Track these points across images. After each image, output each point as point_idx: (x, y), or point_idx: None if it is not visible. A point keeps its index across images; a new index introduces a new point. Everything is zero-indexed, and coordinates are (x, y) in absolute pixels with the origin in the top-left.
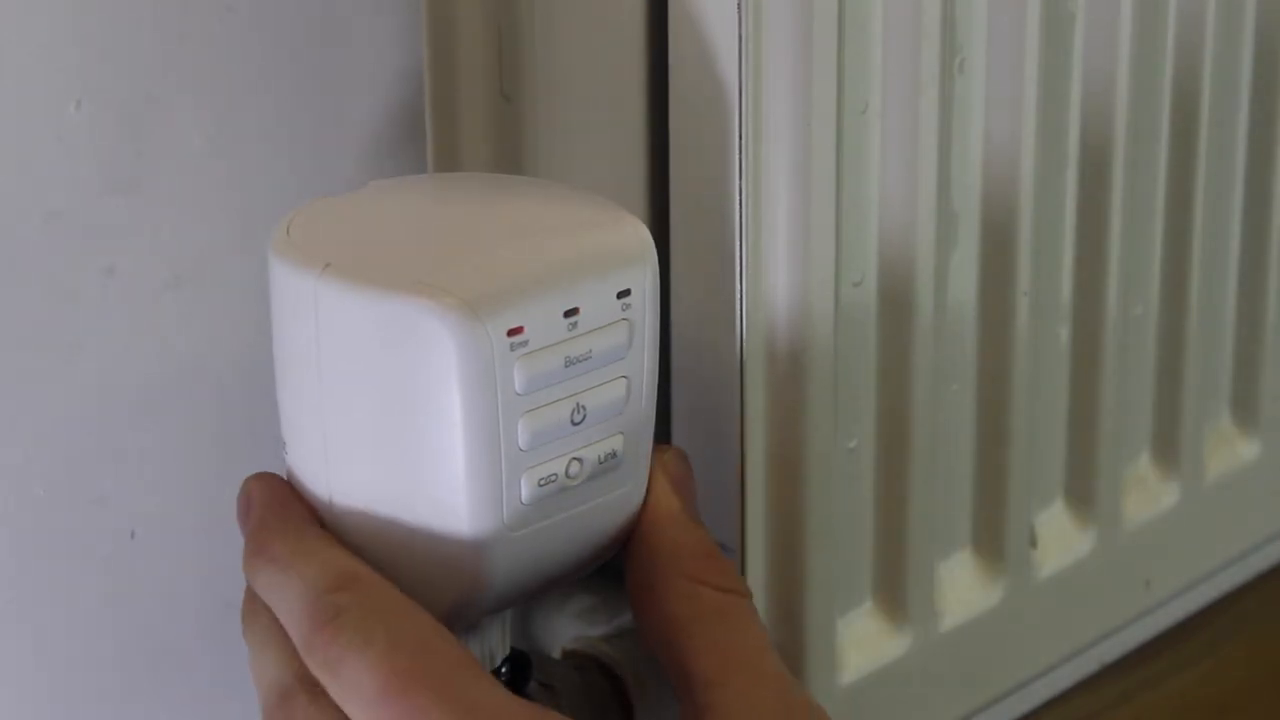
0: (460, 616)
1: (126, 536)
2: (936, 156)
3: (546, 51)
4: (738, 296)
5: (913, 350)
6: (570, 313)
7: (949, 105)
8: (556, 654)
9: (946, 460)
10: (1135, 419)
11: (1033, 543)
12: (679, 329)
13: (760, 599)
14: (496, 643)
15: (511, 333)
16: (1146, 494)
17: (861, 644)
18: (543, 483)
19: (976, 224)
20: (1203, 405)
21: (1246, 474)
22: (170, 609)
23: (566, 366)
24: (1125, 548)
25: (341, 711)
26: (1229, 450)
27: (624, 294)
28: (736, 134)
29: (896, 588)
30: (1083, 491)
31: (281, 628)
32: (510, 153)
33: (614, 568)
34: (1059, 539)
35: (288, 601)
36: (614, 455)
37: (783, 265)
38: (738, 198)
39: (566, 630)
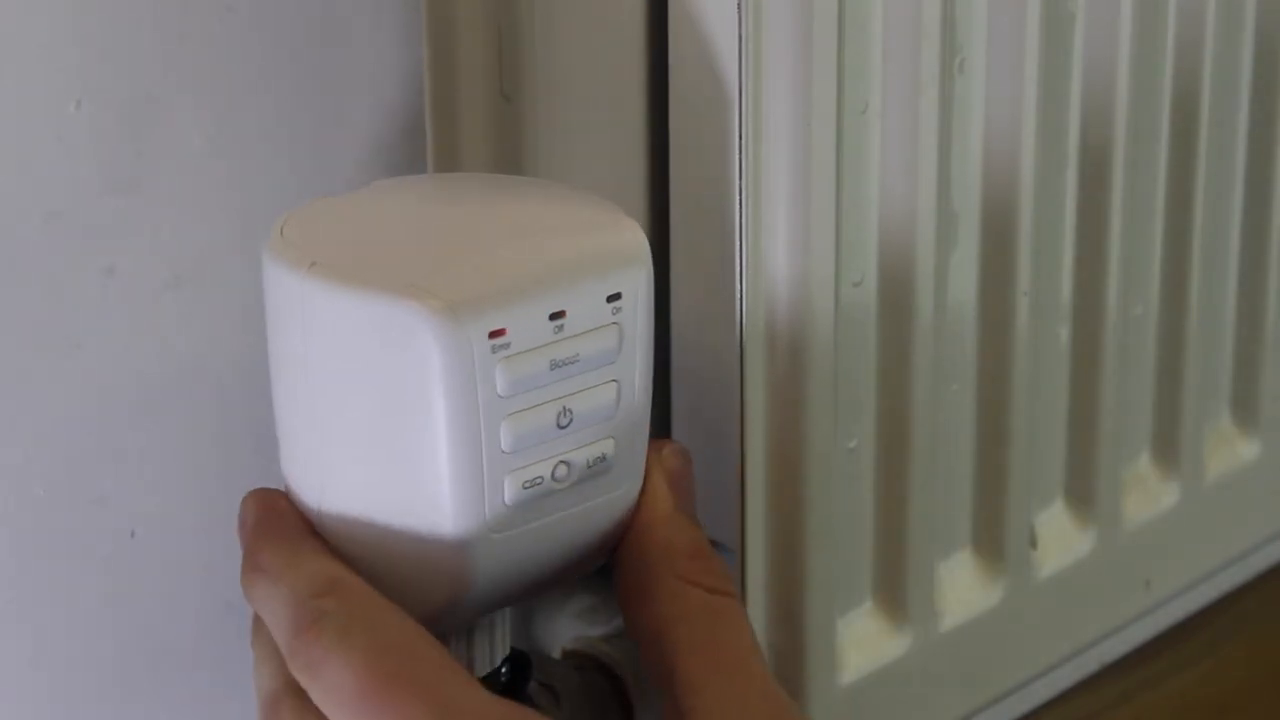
0: (448, 617)
1: (126, 536)
2: (936, 156)
3: (546, 51)
4: (738, 296)
5: (913, 350)
6: (556, 315)
7: (949, 105)
8: (556, 654)
9: (946, 460)
10: (1135, 419)
11: (1033, 543)
12: (679, 329)
13: (760, 599)
14: (496, 643)
15: (493, 335)
16: (1146, 494)
17: (861, 644)
18: (527, 485)
19: (976, 224)
20: (1203, 405)
21: (1246, 474)
22: (170, 609)
23: (552, 369)
24: (1125, 548)
25: (324, 716)
26: (1229, 450)
27: (614, 298)
28: (736, 134)
29: (896, 588)
30: (1083, 491)
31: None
32: (510, 153)
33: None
34: (1059, 539)
35: (275, 612)
36: (603, 459)
37: (783, 265)
38: (738, 198)
39: (566, 630)
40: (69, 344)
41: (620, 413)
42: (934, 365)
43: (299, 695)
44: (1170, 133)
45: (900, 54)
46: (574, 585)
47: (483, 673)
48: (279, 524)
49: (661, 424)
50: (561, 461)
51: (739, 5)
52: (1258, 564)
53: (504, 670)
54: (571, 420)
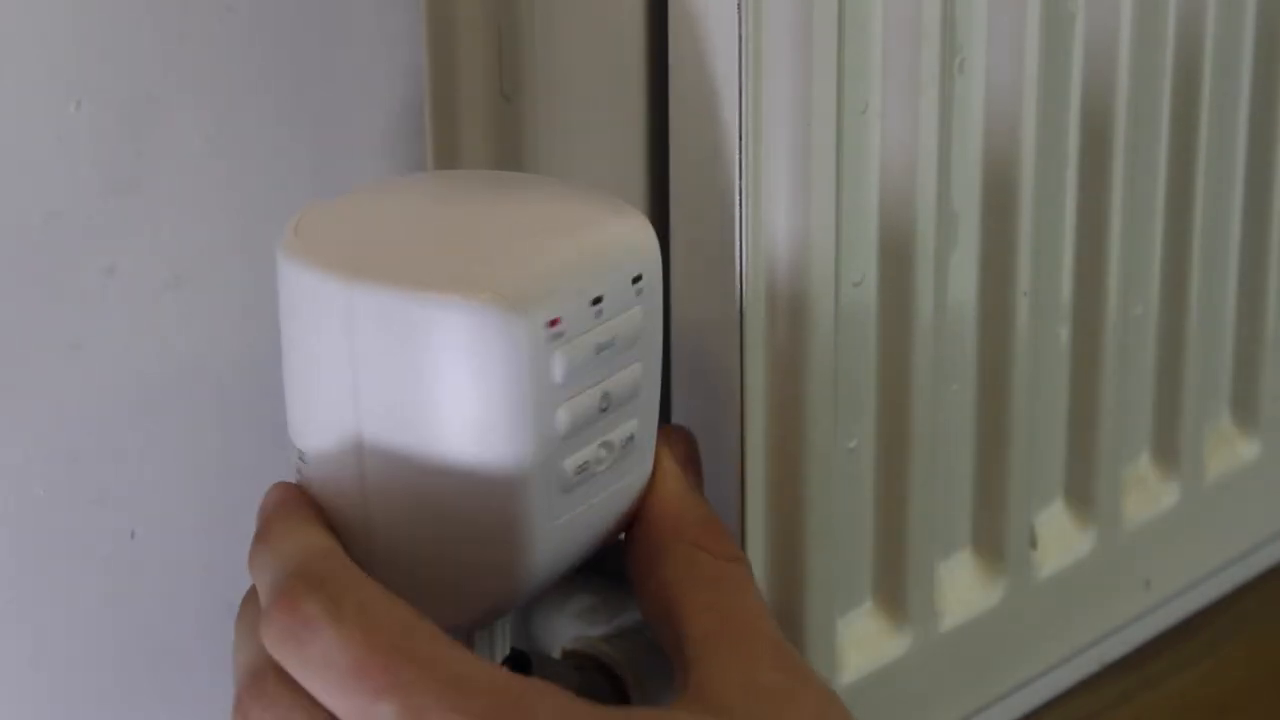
0: (498, 611)
1: (126, 536)
2: (936, 156)
3: (546, 51)
4: (737, 296)
5: (913, 350)
6: (596, 300)
7: (949, 105)
8: (556, 654)
9: (946, 460)
10: (1135, 419)
11: (1033, 543)
12: (679, 328)
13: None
14: (496, 643)
15: (551, 324)
16: (1146, 494)
17: (861, 644)
18: (579, 470)
19: (976, 224)
20: (1203, 405)
21: (1246, 474)
22: (170, 609)
23: (597, 354)
24: (1125, 548)
25: (313, 700)
26: (1229, 450)
27: (637, 279)
28: (736, 134)
29: (896, 588)
30: (1083, 491)
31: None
32: (510, 152)
33: (613, 567)
34: (1059, 539)
35: (264, 580)
36: (632, 439)
37: (783, 265)
38: (738, 197)
39: (566, 630)
40: (69, 344)
41: (643, 392)
42: (934, 365)
43: (282, 668)
44: (1170, 132)
45: (900, 54)
46: (577, 581)
47: None
48: (294, 506)
49: (662, 424)
50: (604, 443)
51: (739, 5)
52: (1258, 564)
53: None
54: (610, 403)
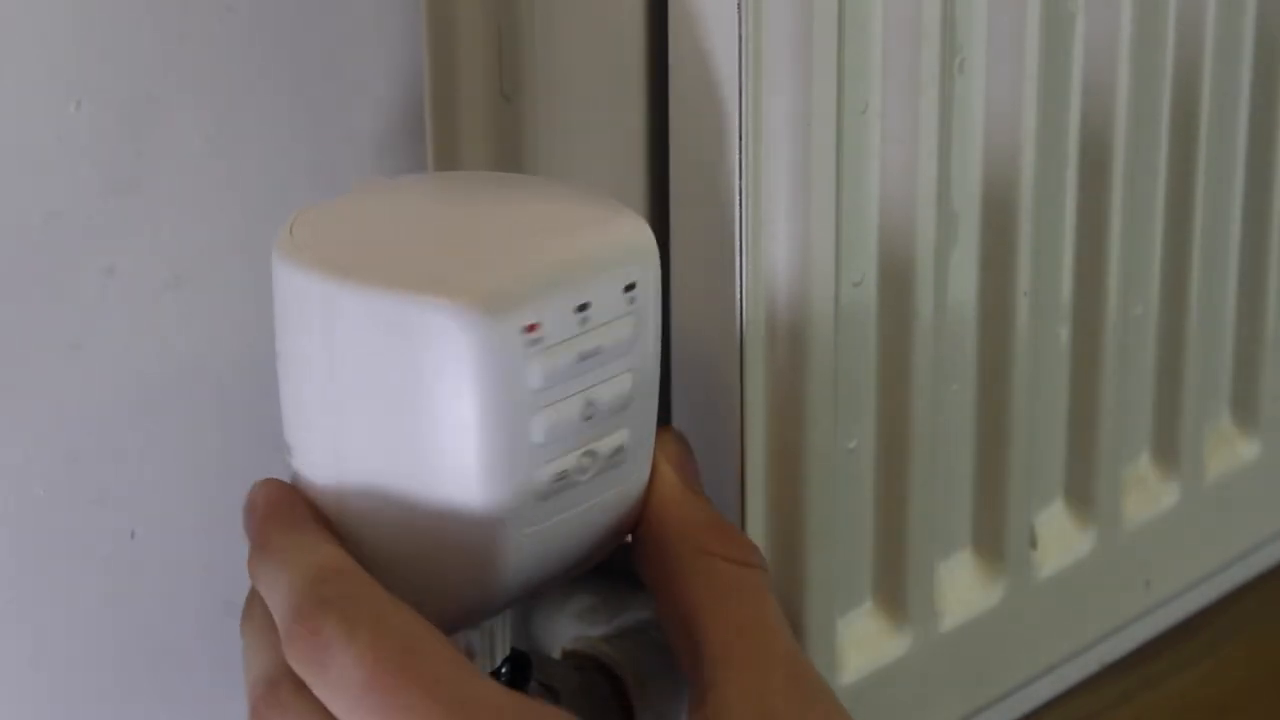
0: (476, 615)
1: (126, 536)
2: (936, 156)
3: (546, 51)
4: (738, 296)
5: (913, 350)
6: (582, 308)
7: (949, 105)
8: (556, 654)
9: (946, 460)
10: (1135, 419)
11: (1033, 543)
12: (679, 329)
13: None
14: (497, 643)
15: (528, 329)
16: (1146, 494)
17: (861, 644)
18: (557, 478)
19: (976, 224)
20: (1203, 405)
21: (1246, 474)
22: (170, 609)
23: (579, 361)
24: (1125, 548)
25: (327, 711)
26: (1229, 450)
27: (630, 288)
28: (736, 134)
29: (896, 588)
30: (1083, 491)
31: (274, 622)
32: (510, 152)
33: (613, 567)
34: (1059, 539)
35: (278, 594)
36: (621, 449)
37: (783, 265)
38: (738, 198)
39: (566, 630)
40: (69, 344)
41: (635, 403)
42: (934, 365)
43: (298, 678)
44: (1170, 132)
45: (900, 54)
46: (574, 584)
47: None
48: (289, 510)
49: (662, 424)
50: (586, 453)
51: (739, 5)
52: (1258, 564)
53: (504, 670)
54: (595, 412)
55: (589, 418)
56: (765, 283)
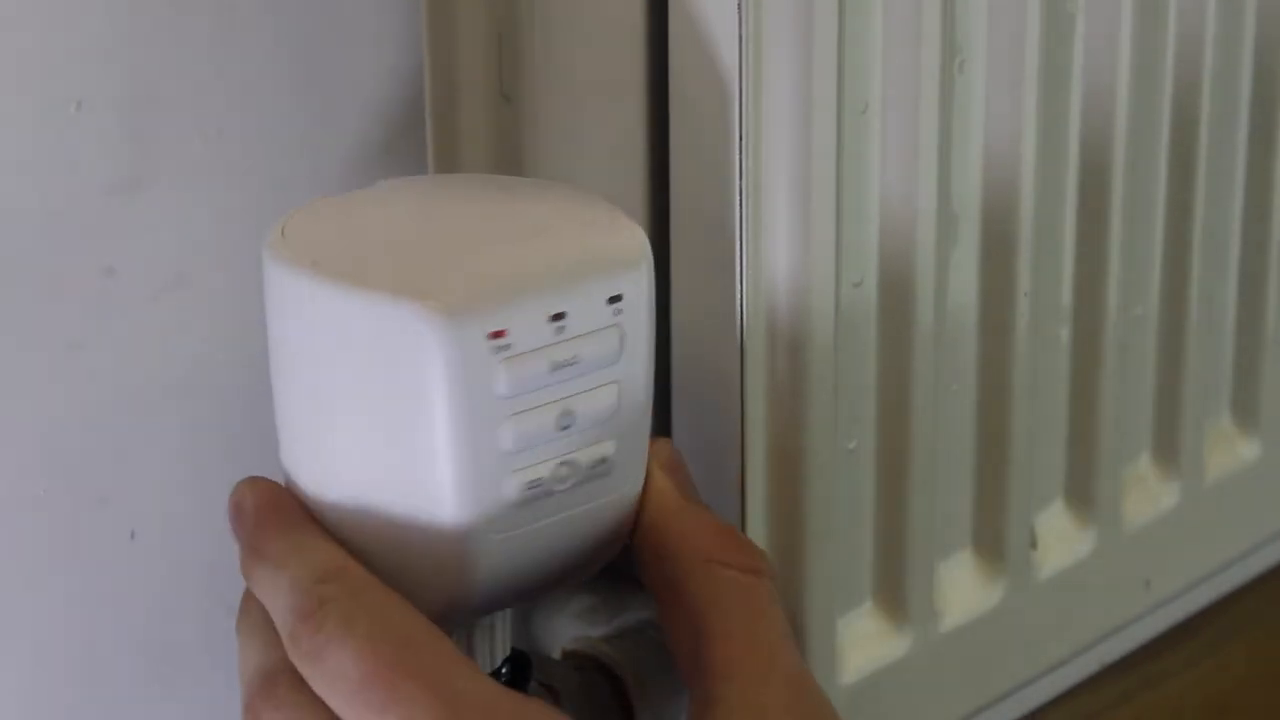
0: (451, 616)
1: (126, 536)
2: (936, 156)
3: (546, 51)
4: (738, 297)
5: (913, 350)
6: (556, 317)
7: (949, 105)
8: (556, 654)
9: (946, 460)
10: (1135, 419)
11: (1033, 543)
12: (679, 329)
13: None
14: (496, 643)
15: (493, 335)
16: (1146, 494)
17: (861, 644)
18: (530, 486)
19: (976, 224)
20: (1203, 405)
21: (1246, 474)
22: (170, 609)
23: (552, 370)
24: (1125, 548)
25: (324, 704)
26: (1229, 450)
27: (615, 299)
28: (736, 134)
29: (896, 588)
30: (1083, 491)
31: (270, 622)
32: (510, 153)
33: (613, 567)
34: (1059, 539)
35: (277, 598)
36: (604, 461)
37: (783, 265)
38: (738, 198)
39: (566, 630)
40: (69, 344)
41: (622, 414)
42: (934, 365)
43: (296, 674)
44: (1170, 133)
45: (900, 54)
46: (579, 585)
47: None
48: (282, 511)
49: (661, 425)
50: (563, 462)
51: (739, 5)
52: (1258, 564)
53: (504, 670)
54: (573, 422)
55: (566, 427)
56: (765, 283)
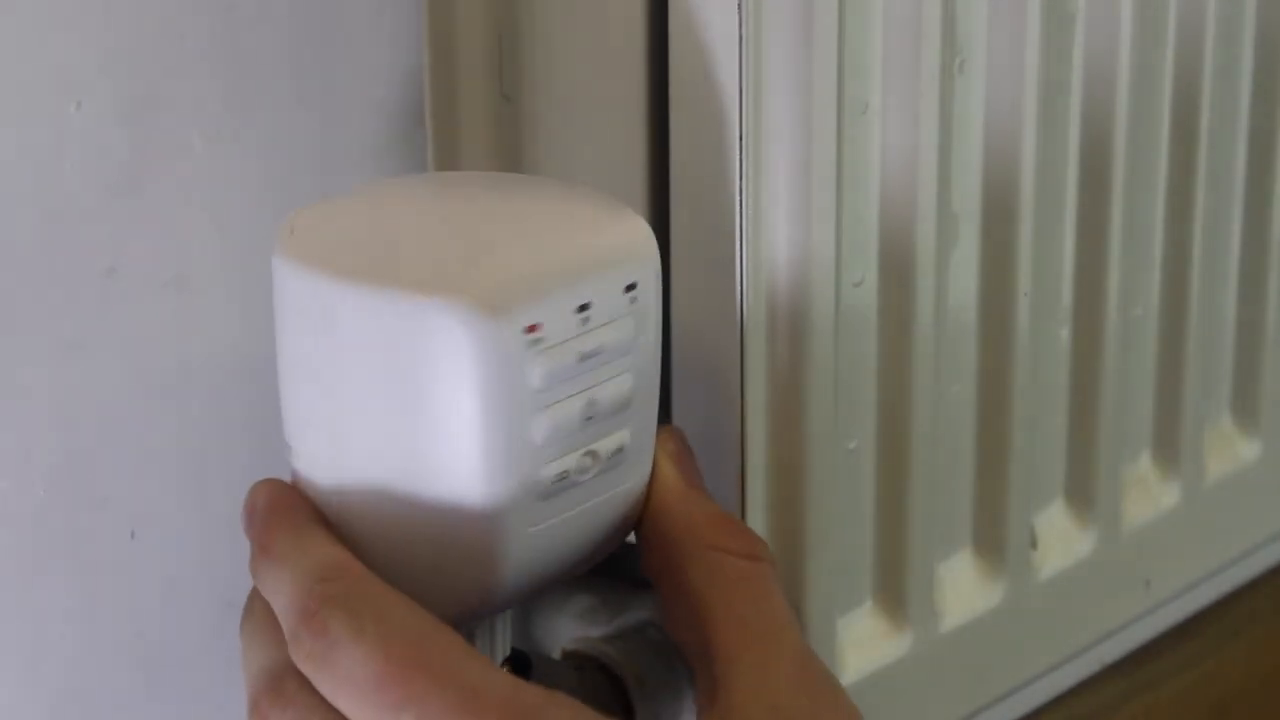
0: (474, 615)
1: (126, 536)
2: (936, 156)
3: (546, 51)
4: (738, 296)
5: (913, 350)
6: (583, 308)
7: (949, 105)
8: (556, 654)
9: (946, 460)
10: (1135, 419)
11: (1033, 543)
12: (679, 329)
13: None
14: (497, 643)
15: (529, 330)
16: (1146, 494)
17: (861, 644)
18: (558, 478)
19: (976, 224)
20: (1203, 405)
21: (1246, 474)
22: (170, 609)
23: (580, 362)
24: (1125, 548)
25: (332, 707)
26: (1229, 450)
27: (631, 288)
28: (736, 134)
29: (896, 588)
30: (1083, 491)
31: (275, 620)
32: (510, 153)
33: (613, 567)
34: (1059, 539)
35: (281, 594)
36: (621, 450)
37: (783, 265)
38: (738, 197)
39: (566, 630)
40: (69, 344)
41: (636, 403)
42: (934, 365)
43: (303, 675)
44: (1170, 132)
45: (900, 54)
46: (574, 584)
47: None
48: (290, 512)
49: (662, 425)
50: (587, 453)
51: (739, 5)
52: (1258, 564)
53: (504, 670)
54: (596, 412)
55: (590, 418)
56: (765, 283)
